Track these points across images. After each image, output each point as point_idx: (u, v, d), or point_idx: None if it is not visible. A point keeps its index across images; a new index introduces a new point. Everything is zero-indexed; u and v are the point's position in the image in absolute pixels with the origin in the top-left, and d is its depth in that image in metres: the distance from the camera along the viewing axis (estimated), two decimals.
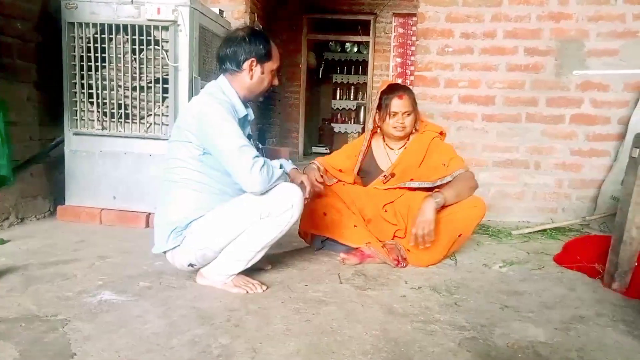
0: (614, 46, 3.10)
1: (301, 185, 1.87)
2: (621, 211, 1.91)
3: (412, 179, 2.32)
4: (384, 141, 2.43)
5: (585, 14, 3.12)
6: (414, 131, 2.38)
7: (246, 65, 1.80)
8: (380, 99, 2.35)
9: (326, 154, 7.75)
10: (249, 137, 1.90)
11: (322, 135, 8.49)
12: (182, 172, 1.76)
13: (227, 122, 1.70)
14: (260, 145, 2.12)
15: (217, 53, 1.85)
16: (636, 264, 1.91)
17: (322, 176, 2.25)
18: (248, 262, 1.77)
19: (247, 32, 1.82)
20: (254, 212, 1.70)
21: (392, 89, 2.35)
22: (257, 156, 1.68)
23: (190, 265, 1.79)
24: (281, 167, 1.79)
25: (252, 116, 1.93)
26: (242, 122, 1.84)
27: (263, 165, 1.67)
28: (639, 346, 1.45)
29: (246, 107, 1.89)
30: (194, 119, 1.73)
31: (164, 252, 1.80)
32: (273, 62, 1.86)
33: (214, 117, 1.70)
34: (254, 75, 1.82)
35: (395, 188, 2.33)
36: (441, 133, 2.42)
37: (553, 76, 3.19)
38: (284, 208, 1.70)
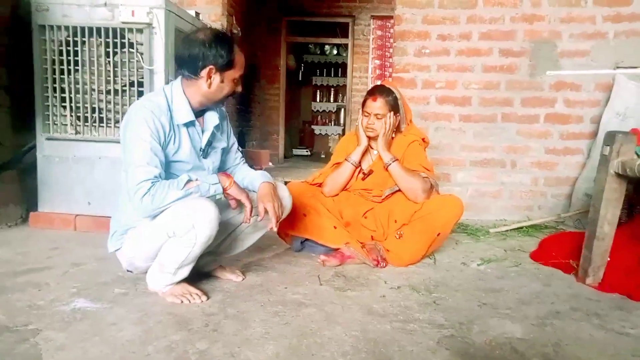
0: (585, 47, 3.18)
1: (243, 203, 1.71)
2: (593, 207, 1.95)
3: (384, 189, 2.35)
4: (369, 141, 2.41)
5: (557, 16, 3.19)
6: (395, 134, 2.39)
7: (204, 72, 1.67)
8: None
9: (307, 156, 7.79)
10: (209, 143, 1.81)
11: (303, 137, 8.50)
12: (123, 176, 1.71)
13: (139, 130, 1.61)
14: (240, 149, 2.04)
15: (175, 53, 1.74)
16: (609, 259, 1.96)
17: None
18: (174, 275, 1.68)
19: (209, 35, 1.67)
20: (161, 230, 1.63)
21: (372, 90, 2.38)
22: (146, 180, 1.56)
23: (128, 270, 1.81)
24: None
25: (213, 122, 1.80)
26: (188, 126, 1.74)
27: (147, 191, 1.55)
28: (611, 339, 1.49)
29: (204, 112, 1.80)
30: (122, 122, 1.72)
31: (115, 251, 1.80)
32: (235, 71, 1.72)
33: (129, 122, 1.65)
34: (212, 84, 1.69)
35: (373, 201, 2.35)
36: (423, 140, 2.44)
37: (527, 77, 3.25)
38: (185, 229, 1.58)
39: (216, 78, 1.70)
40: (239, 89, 1.78)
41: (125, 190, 1.69)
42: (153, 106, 1.66)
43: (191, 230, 1.59)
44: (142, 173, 1.57)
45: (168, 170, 1.69)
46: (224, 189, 1.68)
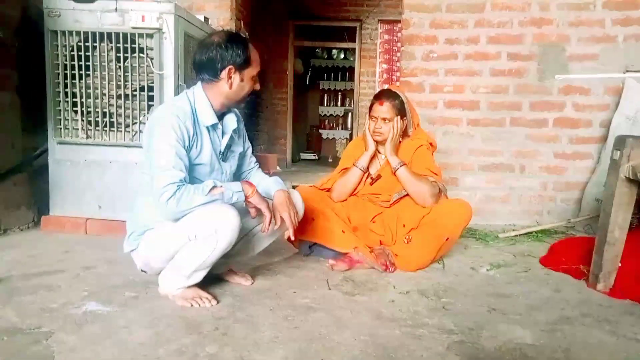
0: (594, 51, 3.16)
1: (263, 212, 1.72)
2: (604, 212, 1.94)
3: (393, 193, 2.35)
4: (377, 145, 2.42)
5: (566, 19, 3.18)
6: (402, 138, 2.39)
7: (224, 74, 1.71)
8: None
9: (314, 160, 7.80)
10: (228, 146, 1.84)
11: (310, 141, 8.50)
12: (143, 178, 1.74)
13: (165, 135, 1.63)
14: (254, 157, 2.06)
15: (192, 60, 1.77)
16: (620, 264, 1.94)
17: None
18: (188, 278, 1.71)
19: (223, 37, 1.72)
20: (183, 233, 1.64)
21: (378, 94, 2.39)
22: (172, 183, 1.58)
23: (142, 270, 1.81)
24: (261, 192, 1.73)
25: (232, 125, 1.84)
26: (210, 130, 1.77)
27: (173, 195, 1.57)
28: (622, 345, 1.47)
29: (224, 114, 1.83)
30: (146, 125, 1.75)
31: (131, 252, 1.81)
32: (253, 68, 1.76)
33: (155, 126, 1.67)
34: (233, 84, 1.73)
35: (381, 206, 2.35)
36: (431, 144, 2.44)
37: (536, 81, 3.24)
38: (207, 233, 1.61)
39: (236, 77, 1.73)
40: (258, 86, 1.82)
41: (142, 192, 1.73)
42: (178, 111, 1.69)
43: (213, 235, 1.61)
44: (168, 177, 1.60)
45: (189, 173, 1.70)
46: (246, 197, 1.70)
